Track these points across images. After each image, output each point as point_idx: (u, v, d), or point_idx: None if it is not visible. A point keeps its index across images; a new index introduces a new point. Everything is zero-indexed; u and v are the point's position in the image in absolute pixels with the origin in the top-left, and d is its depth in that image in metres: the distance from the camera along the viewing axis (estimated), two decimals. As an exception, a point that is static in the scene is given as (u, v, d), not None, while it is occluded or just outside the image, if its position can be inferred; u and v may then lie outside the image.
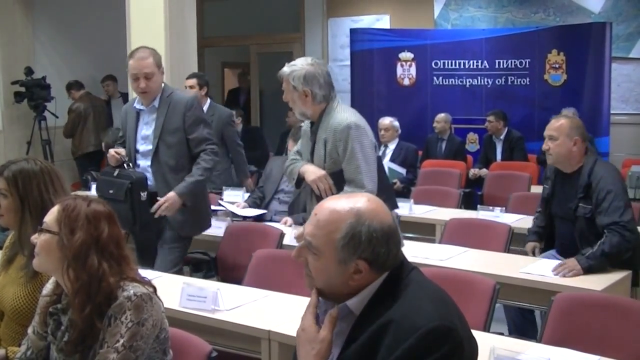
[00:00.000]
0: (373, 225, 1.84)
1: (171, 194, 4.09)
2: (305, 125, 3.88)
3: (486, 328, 3.19)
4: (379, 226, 1.84)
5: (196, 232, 4.42)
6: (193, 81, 6.23)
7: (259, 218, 5.22)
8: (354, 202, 1.87)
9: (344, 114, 3.65)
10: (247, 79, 12.01)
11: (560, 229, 4.18)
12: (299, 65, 3.65)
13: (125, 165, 4.16)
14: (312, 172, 3.67)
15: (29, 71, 8.78)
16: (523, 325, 4.25)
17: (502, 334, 3.60)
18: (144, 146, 4.23)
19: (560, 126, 3.98)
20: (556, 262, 4.00)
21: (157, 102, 4.19)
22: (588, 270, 3.69)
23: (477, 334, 1.91)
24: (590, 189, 3.88)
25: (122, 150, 4.22)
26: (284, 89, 3.71)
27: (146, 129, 4.24)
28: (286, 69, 3.68)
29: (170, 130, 4.16)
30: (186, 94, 4.38)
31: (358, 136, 3.57)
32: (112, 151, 4.21)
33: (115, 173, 4.13)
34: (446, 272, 3.43)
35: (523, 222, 5.09)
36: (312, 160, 3.74)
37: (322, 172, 3.64)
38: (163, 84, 4.24)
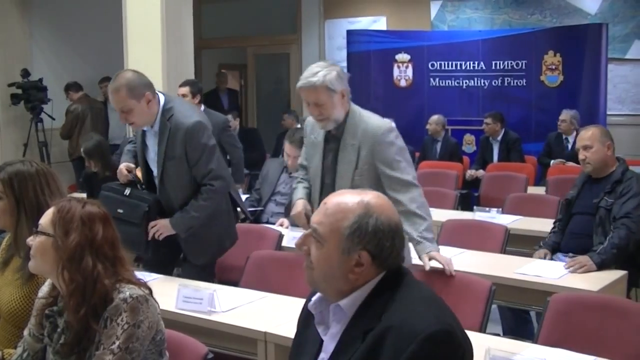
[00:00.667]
0: (381, 219, 1.86)
1: (164, 221, 3.80)
2: (313, 134, 3.66)
3: (482, 329, 3.19)
4: (386, 221, 1.87)
5: (212, 259, 4.13)
6: (186, 89, 6.04)
7: (256, 220, 5.22)
8: (363, 196, 1.91)
9: (376, 117, 3.54)
10: (226, 79, 11.30)
11: (575, 224, 4.27)
12: (324, 69, 3.39)
13: (138, 185, 3.89)
14: (295, 207, 3.62)
15: (25, 73, 8.77)
16: (518, 326, 4.26)
17: (498, 334, 3.61)
18: (155, 169, 3.88)
19: (593, 134, 4.22)
20: (552, 263, 4.02)
21: (157, 126, 3.77)
22: (601, 265, 3.81)
23: (473, 334, 1.91)
24: (619, 185, 4.09)
25: (133, 167, 3.91)
26: (317, 102, 3.40)
27: (152, 152, 3.86)
28: (314, 78, 3.36)
29: (173, 159, 3.76)
30: (188, 116, 3.76)
31: (398, 140, 3.50)
32: (123, 167, 3.90)
33: (127, 192, 3.85)
34: (442, 273, 3.43)
35: (519, 223, 5.11)
36: (329, 169, 3.56)
37: (299, 209, 3.57)
38: (163, 99, 3.76)
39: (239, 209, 4.42)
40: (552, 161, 7.71)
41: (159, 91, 3.81)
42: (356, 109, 3.53)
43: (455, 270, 3.38)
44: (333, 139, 3.55)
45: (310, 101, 3.42)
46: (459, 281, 3.37)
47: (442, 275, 3.33)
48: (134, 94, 3.61)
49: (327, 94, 3.37)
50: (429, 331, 1.74)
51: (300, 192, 3.73)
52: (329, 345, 1.92)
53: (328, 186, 3.52)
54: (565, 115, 7.83)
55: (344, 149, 3.50)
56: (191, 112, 3.84)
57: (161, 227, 3.80)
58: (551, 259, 4.23)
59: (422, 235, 3.38)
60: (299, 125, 8.71)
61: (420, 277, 3.32)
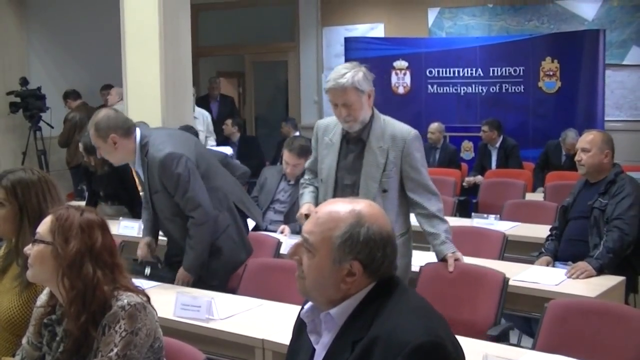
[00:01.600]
0: (372, 228, 1.84)
1: (181, 272, 3.82)
2: (327, 135, 3.65)
3: (497, 320, 3.26)
4: (378, 230, 1.85)
5: (229, 274, 4.10)
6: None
7: (254, 227, 5.20)
8: (355, 205, 1.89)
9: (401, 123, 3.63)
10: (218, 86, 10.79)
11: (571, 230, 4.28)
12: (351, 70, 3.42)
13: (159, 264, 3.95)
14: (301, 209, 3.66)
15: (24, 81, 8.79)
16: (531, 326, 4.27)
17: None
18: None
19: (593, 139, 4.26)
20: (550, 269, 4.03)
21: (138, 162, 3.81)
22: (600, 270, 3.84)
23: (469, 340, 1.91)
24: (612, 186, 4.14)
25: (154, 246, 3.99)
26: (346, 103, 3.43)
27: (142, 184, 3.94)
28: (343, 80, 3.39)
29: (157, 193, 3.81)
30: (160, 149, 3.74)
31: (422, 147, 3.67)
32: (144, 244, 3.98)
33: (147, 272, 3.88)
34: (456, 265, 3.52)
35: (517, 229, 5.11)
36: (348, 170, 3.58)
37: (304, 211, 3.58)
38: (139, 136, 3.77)
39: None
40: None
41: (138, 126, 3.83)
42: (378, 112, 3.59)
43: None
44: (354, 141, 3.59)
45: (339, 102, 3.45)
46: (473, 273, 3.47)
47: (456, 268, 3.45)
48: (99, 134, 3.69)
49: (356, 94, 3.43)
50: (417, 342, 1.72)
51: (307, 196, 3.77)
52: (320, 354, 1.90)
53: (347, 187, 3.57)
54: (564, 137, 7.73)
55: (370, 151, 3.55)
56: (164, 145, 3.76)
57: (184, 282, 3.83)
58: (553, 266, 4.24)
59: (447, 237, 3.57)
60: (297, 133, 8.72)
61: (434, 269, 3.47)
